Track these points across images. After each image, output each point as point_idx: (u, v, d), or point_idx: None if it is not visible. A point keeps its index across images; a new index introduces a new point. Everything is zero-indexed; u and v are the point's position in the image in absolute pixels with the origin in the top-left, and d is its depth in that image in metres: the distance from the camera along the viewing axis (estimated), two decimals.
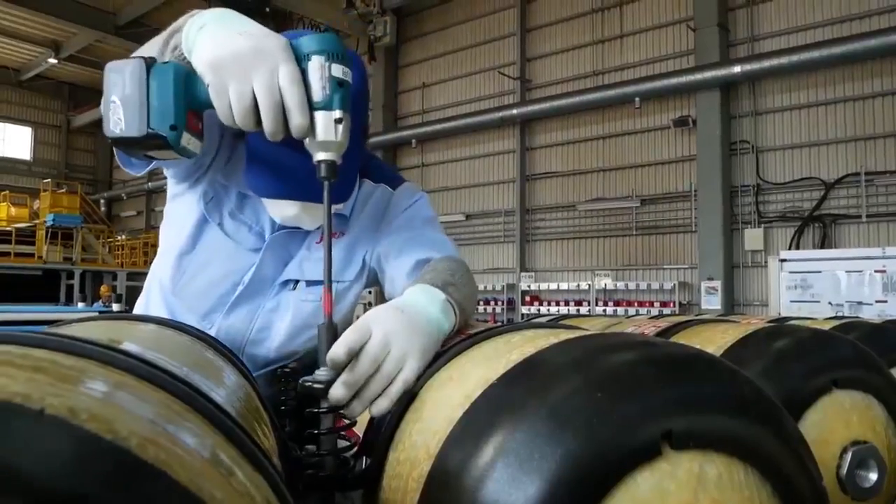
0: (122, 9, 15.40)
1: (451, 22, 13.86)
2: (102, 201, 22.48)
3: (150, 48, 0.88)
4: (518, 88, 12.68)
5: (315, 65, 0.77)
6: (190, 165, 1.12)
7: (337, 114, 0.77)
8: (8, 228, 16.17)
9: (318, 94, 0.77)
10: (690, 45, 10.61)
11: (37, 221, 16.74)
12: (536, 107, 12.07)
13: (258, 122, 0.78)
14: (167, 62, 0.81)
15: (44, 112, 22.21)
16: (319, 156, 0.79)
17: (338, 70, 0.77)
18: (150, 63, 0.78)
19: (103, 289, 14.38)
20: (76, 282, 15.96)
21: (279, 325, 1.19)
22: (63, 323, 0.85)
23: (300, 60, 0.78)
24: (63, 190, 17.76)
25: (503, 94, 12.94)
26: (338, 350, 0.73)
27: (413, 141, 13.76)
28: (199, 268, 1.18)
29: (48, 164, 22.22)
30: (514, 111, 12.23)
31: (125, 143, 0.79)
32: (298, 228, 1.17)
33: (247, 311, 1.18)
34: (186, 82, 0.79)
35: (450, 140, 13.55)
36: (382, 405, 0.75)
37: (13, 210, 17.75)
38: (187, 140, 0.80)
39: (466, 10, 13.63)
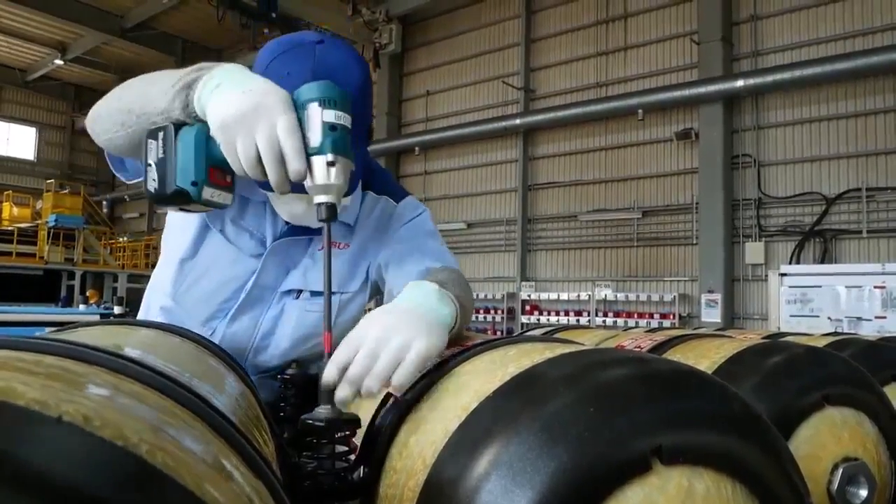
0: (129, 11, 15.50)
1: (456, 31, 13.92)
2: (105, 203, 22.52)
3: (153, 90, 0.93)
4: (522, 98, 12.72)
5: (310, 112, 0.81)
6: None
7: (329, 157, 0.80)
8: (10, 228, 16.22)
9: (313, 140, 0.81)
10: (694, 58, 10.65)
11: (39, 221, 16.78)
12: (540, 117, 12.09)
13: (265, 172, 0.83)
14: (192, 125, 0.88)
15: (49, 113, 22.29)
16: (319, 198, 0.82)
17: (329, 115, 0.81)
18: (178, 126, 0.88)
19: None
20: (77, 283, 15.98)
21: (283, 333, 1.20)
22: (67, 327, 0.86)
23: (299, 109, 0.82)
24: (66, 191, 17.84)
25: (507, 104, 12.97)
26: (329, 373, 0.74)
27: (416, 148, 13.78)
28: (201, 274, 1.19)
29: (52, 164, 22.29)
30: (518, 121, 12.24)
31: (160, 199, 0.89)
32: (301, 235, 1.18)
33: (250, 319, 1.19)
34: (207, 142, 0.86)
35: (453, 148, 13.58)
36: (401, 378, 0.74)
37: (16, 210, 17.83)
38: (210, 193, 0.87)
39: (472, 20, 13.69)
